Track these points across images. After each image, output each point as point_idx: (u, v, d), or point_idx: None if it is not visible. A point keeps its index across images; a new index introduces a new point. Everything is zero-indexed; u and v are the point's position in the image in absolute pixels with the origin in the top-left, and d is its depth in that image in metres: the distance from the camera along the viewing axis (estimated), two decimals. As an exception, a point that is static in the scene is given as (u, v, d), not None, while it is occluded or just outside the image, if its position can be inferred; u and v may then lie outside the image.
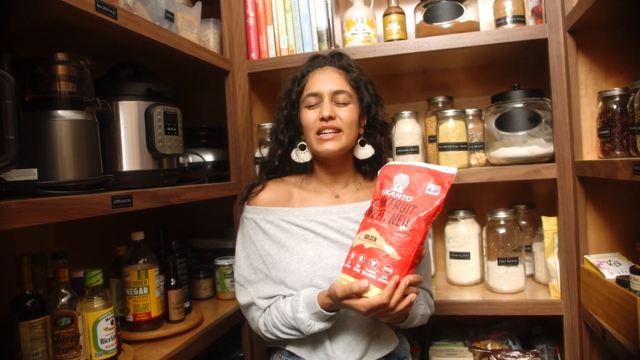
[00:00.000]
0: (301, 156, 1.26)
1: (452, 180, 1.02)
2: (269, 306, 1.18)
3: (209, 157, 1.65)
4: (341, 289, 1.00)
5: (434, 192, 1.02)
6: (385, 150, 1.34)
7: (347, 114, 1.19)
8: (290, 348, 1.19)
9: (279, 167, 1.30)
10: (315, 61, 1.27)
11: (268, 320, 1.17)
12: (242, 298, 1.22)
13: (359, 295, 0.99)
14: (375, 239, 1.01)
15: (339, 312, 1.11)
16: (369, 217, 1.05)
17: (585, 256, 1.39)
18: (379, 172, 1.13)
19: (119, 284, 1.34)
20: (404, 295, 0.99)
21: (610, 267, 1.29)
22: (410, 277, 0.98)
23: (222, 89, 1.70)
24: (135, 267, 1.29)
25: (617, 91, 1.28)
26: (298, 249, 1.18)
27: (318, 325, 1.10)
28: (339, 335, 1.16)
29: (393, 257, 0.98)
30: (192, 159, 1.62)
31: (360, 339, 1.16)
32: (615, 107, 1.28)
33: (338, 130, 1.18)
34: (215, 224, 2.03)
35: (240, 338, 1.66)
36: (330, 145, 1.18)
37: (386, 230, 1.00)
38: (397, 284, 0.97)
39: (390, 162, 1.13)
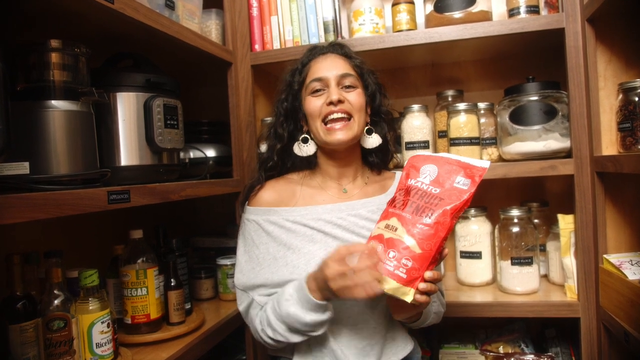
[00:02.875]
0: (304, 149, 1.19)
1: (484, 174, 0.96)
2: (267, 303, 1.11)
3: (210, 153, 1.59)
4: (332, 254, 0.94)
5: (463, 185, 0.95)
6: (392, 142, 1.28)
7: (356, 98, 1.14)
8: (296, 357, 1.11)
9: (279, 164, 1.24)
10: (316, 50, 1.23)
11: (263, 317, 1.09)
12: (244, 303, 1.15)
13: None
14: (396, 229, 0.94)
15: (326, 304, 1.00)
16: (391, 206, 1.00)
17: (605, 256, 1.32)
18: (405, 162, 1.07)
19: (116, 284, 1.28)
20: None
21: (632, 267, 1.23)
22: (428, 274, 0.92)
23: (224, 83, 1.64)
24: (134, 267, 1.23)
25: (639, 82, 1.22)
26: (305, 250, 1.10)
27: (295, 306, 1.00)
28: (352, 341, 1.09)
29: (413, 250, 0.92)
30: (193, 154, 1.56)
31: (375, 342, 1.09)
32: (637, 99, 1.22)
33: (349, 117, 1.12)
34: (218, 221, 1.97)
35: (244, 341, 1.60)
36: (341, 134, 1.11)
37: (408, 220, 0.94)
38: (373, 250, 0.92)
39: (419, 153, 1.08)
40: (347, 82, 1.14)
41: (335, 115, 1.11)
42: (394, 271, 0.91)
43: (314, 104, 1.14)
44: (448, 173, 0.98)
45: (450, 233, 1.73)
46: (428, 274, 0.92)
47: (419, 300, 0.92)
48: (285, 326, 1.03)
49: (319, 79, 1.14)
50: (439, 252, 0.94)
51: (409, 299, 0.91)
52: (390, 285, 0.91)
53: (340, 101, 1.11)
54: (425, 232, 0.92)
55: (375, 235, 0.98)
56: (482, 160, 0.98)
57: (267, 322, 1.07)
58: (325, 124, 1.13)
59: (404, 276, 0.91)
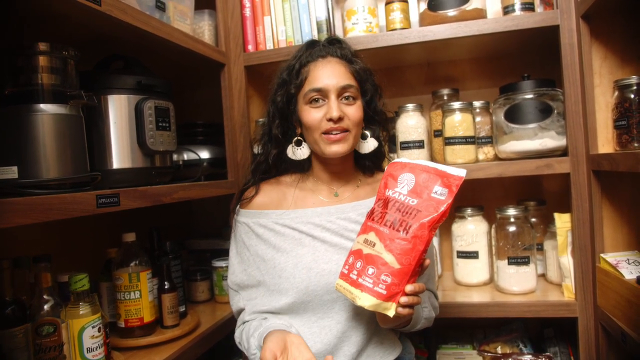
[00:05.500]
0: (297, 153, 1.17)
1: (461, 183, 0.94)
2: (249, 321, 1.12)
3: (204, 154, 1.58)
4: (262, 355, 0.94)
5: (440, 195, 0.93)
6: (385, 142, 1.27)
7: (355, 112, 1.11)
8: None
9: (273, 167, 1.22)
10: (315, 49, 1.17)
11: (244, 333, 1.11)
12: (237, 303, 1.15)
13: None
14: (374, 245, 0.93)
15: None
16: (369, 219, 0.98)
17: (602, 255, 1.31)
18: (385, 168, 1.05)
19: (109, 287, 1.28)
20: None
21: (629, 266, 1.21)
22: (409, 287, 0.91)
23: (218, 84, 1.63)
24: (127, 270, 1.23)
25: (634, 79, 1.21)
26: (293, 254, 1.10)
27: None
28: (339, 344, 1.09)
29: (392, 266, 0.91)
30: (187, 156, 1.55)
31: (361, 345, 1.09)
32: (632, 96, 1.21)
33: (345, 130, 1.10)
34: (213, 223, 1.97)
35: (239, 343, 1.60)
36: (339, 147, 1.09)
37: (386, 236, 0.93)
38: None
39: (397, 160, 1.05)
40: (348, 93, 1.11)
41: (334, 133, 1.09)
42: (373, 288, 0.91)
43: (313, 116, 1.10)
44: (425, 182, 0.96)
45: (447, 233, 1.74)
46: (409, 288, 0.91)
47: (402, 314, 0.92)
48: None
49: (318, 90, 1.10)
50: (418, 265, 0.93)
51: (391, 313, 0.91)
52: (370, 302, 0.90)
53: (340, 118, 1.08)
54: (403, 247, 0.91)
55: (354, 250, 0.97)
56: (458, 169, 0.96)
57: (240, 344, 1.12)
58: (324, 133, 1.10)
59: (384, 292, 0.90)
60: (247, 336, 1.08)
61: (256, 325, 1.08)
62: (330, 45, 1.19)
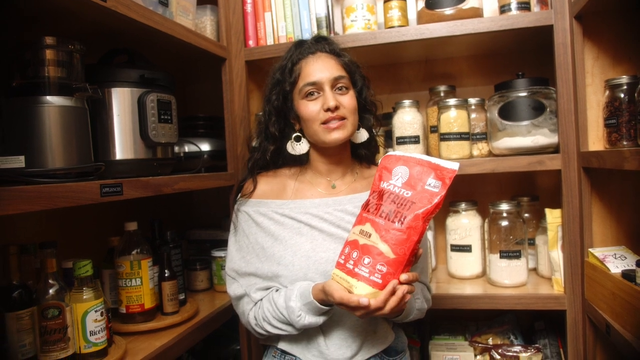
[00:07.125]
0: (297, 148, 1.21)
1: (454, 176, 0.97)
2: (261, 299, 1.15)
3: (205, 147, 1.62)
4: (339, 295, 0.96)
5: (434, 187, 0.96)
6: (378, 132, 1.31)
7: (349, 101, 1.15)
8: (282, 345, 1.15)
9: (271, 163, 1.25)
10: (304, 47, 1.22)
11: (259, 313, 1.13)
12: (235, 290, 1.18)
13: (355, 308, 0.96)
14: (370, 235, 0.97)
15: (332, 308, 1.07)
16: (365, 210, 1.01)
17: (590, 249, 1.35)
18: (379, 161, 1.09)
19: (112, 274, 1.32)
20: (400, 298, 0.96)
21: (615, 260, 1.25)
22: (404, 276, 0.95)
23: (220, 78, 1.66)
24: (128, 258, 1.27)
25: (624, 79, 1.24)
26: (292, 242, 1.14)
27: (309, 318, 1.06)
28: (334, 332, 1.13)
29: (387, 256, 0.94)
30: (188, 148, 1.59)
31: (356, 334, 1.13)
32: (622, 95, 1.24)
33: (343, 118, 1.14)
34: (213, 214, 2.01)
35: (238, 330, 1.64)
36: (339, 134, 1.14)
37: (381, 226, 0.96)
38: (393, 291, 0.94)
39: (391, 152, 1.08)
40: (340, 84, 1.16)
41: (333, 121, 1.13)
42: (369, 277, 0.94)
43: (310, 108, 1.15)
44: (419, 175, 0.99)
45: (441, 226, 1.78)
46: (403, 277, 0.94)
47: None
48: (292, 328, 1.10)
49: (312, 84, 1.15)
50: (413, 254, 0.96)
51: None
52: (367, 291, 0.94)
53: (337, 107, 1.13)
54: (398, 238, 0.94)
55: (350, 240, 1.00)
56: (452, 162, 0.98)
57: (265, 321, 1.12)
58: (322, 123, 1.15)
59: (380, 281, 0.94)
60: (277, 306, 1.09)
61: (285, 293, 1.10)
62: (317, 43, 1.22)
